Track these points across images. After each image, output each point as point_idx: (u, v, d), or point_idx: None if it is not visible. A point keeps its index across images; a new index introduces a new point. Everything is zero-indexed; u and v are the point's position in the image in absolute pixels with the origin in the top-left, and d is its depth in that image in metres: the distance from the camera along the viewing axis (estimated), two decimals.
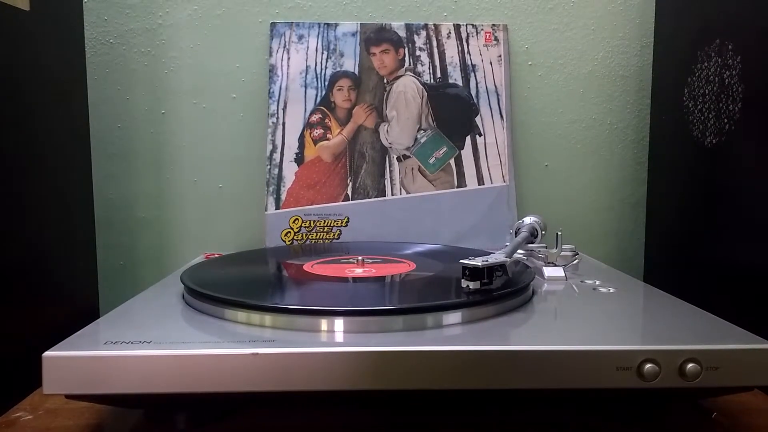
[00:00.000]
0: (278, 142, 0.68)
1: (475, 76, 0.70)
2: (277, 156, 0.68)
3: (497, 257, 0.42)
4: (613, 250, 0.74)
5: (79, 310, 0.56)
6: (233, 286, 0.45)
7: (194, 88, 0.71)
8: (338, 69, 0.69)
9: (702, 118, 0.58)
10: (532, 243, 0.56)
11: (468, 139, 0.69)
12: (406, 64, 0.69)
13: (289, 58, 0.69)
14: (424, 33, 0.70)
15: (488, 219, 0.68)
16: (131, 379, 0.32)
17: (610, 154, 0.74)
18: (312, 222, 0.67)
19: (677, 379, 0.33)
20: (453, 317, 0.38)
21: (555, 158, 0.73)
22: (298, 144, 0.68)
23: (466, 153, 0.69)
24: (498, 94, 0.70)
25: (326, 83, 0.69)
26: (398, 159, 0.69)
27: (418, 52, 0.70)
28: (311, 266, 0.50)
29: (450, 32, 0.70)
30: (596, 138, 0.74)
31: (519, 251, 0.54)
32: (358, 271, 0.48)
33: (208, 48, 0.71)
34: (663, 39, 0.68)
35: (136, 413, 0.40)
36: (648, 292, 0.47)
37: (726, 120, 0.53)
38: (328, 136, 0.69)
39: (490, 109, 0.69)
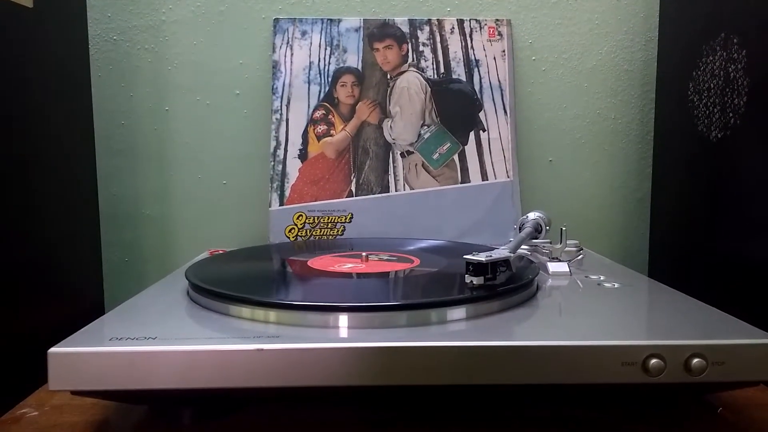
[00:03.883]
0: (282, 139, 0.68)
1: (479, 71, 0.69)
2: (280, 152, 0.68)
3: (501, 253, 0.42)
4: (618, 246, 0.74)
5: (84, 307, 0.56)
6: (237, 282, 0.45)
7: (198, 85, 0.71)
8: (341, 65, 0.69)
9: (707, 112, 0.57)
10: (537, 238, 0.55)
11: (472, 134, 0.69)
12: (410, 60, 0.69)
13: (292, 54, 0.69)
14: (427, 28, 0.70)
15: (492, 215, 0.68)
16: (136, 375, 0.33)
17: (615, 149, 0.74)
18: (316, 218, 0.67)
19: (683, 374, 0.33)
20: (457, 313, 0.38)
21: (559, 153, 0.73)
22: (301, 140, 0.68)
23: (470, 148, 0.69)
24: (502, 90, 0.69)
25: (329, 79, 0.69)
26: (402, 155, 0.69)
27: (421, 48, 0.69)
28: (315, 262, 0.50)
29: (453, 27, 0.70)
30: (600, 133, 0.73)
31: (523, 247, 0.54)
32: (361, 267, 0.48)
33: (212, 44, 0.71)
34: (667, 33, 0.68)
35: (142, 409, 0.40)
36: (653, 287, 0.47)
37: (731, 114, 0.53)
38: (331, 132, 0.69)
39: (494, 104, 0.69)
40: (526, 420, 0.39)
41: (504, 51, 0.70)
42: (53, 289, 0.51)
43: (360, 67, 0.69)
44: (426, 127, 0.69)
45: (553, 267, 0.51)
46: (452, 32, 0.70)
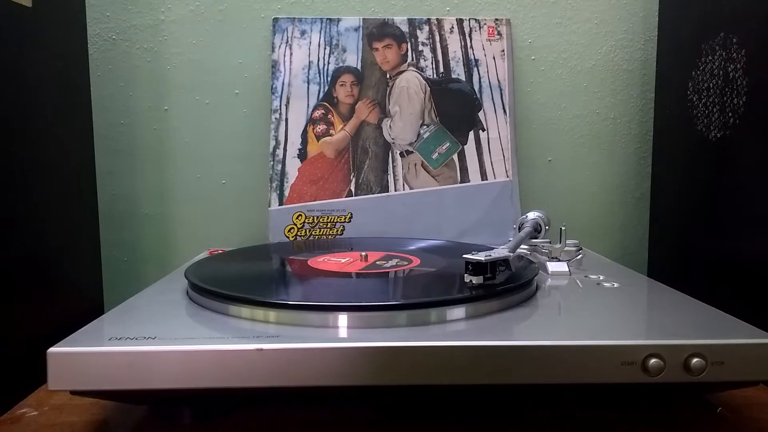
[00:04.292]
0: (281, 138, 0.68)
1: (478, 70, 0.69)
2: (280, 152, 0.68)
3: (500, 252, 0.42)
4: (617, 245, 0.74)
5: (83, 307, 0.56)
6: (237, 282, 0.45)
7: (197, 84, 0.71)
8: (341, 64, 0.69)
9: (706, 111, 0.57)
10: (536, 238, 0.55)
11: (471, 134, 0.69)
12: (409, 59, 0.69)
13: (291, 54, 0.69)
14: (426, 28, 0.70)
15: (491, 214, 0.68)
16: (136, 375, 0.33)
17: (614, 149, 0.74)
18: (315, 218, 0.67)
19: (682, 373, 0.33)
20: (456, 312, 0.38)
21: (558, 153, 0.73)
22: (300, 140, 0.68)
23: (469, 148, 0.69)
24: (501, 89, 0.69)
25: (329, 79, 0.69)
26: (401, 154, 0.69)
27: (420, 47, 0.69)
28: (315, 262, 0.50)
29: (453, 27, 0.70)
30: (600, 132, 0.73)
31: (522, 246, 0.54)
32: (362, 267, 0.48)
33: (211, 44, 0.71)
34: (667, 33, 0.68)
35: (142, 409, 0.40)
36: (652, 286, 0.47)
37: (730, 114, 0.53)
38: (330, 131, 0.68)
39: (493, 104, 0.69)
40: (526, 420, 0.39)
41: (503, 50, 0.70)
42: (52, 289, 0.51)
43: (359, 67, 0.69)
44: (425, 126, 0.69)
45: (552, 266, 0.51)
46: (451, 32, 0.70)
